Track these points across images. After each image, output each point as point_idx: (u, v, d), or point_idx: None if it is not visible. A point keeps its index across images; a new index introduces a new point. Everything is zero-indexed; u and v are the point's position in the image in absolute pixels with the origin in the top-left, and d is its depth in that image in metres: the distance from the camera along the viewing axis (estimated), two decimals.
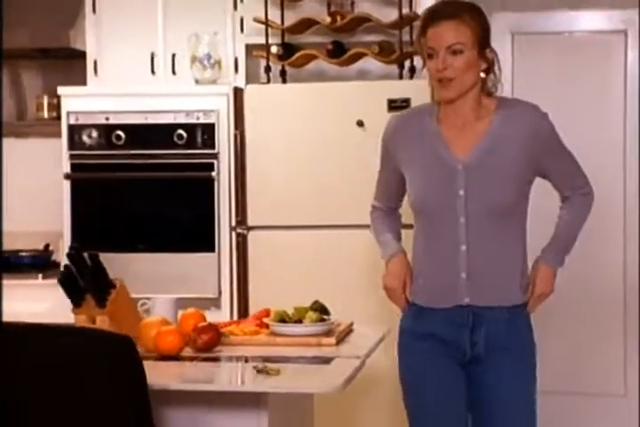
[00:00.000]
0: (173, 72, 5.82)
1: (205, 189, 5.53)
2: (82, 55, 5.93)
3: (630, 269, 6.25)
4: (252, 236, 5.38)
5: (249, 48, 5.84)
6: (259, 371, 3.13)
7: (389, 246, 3.41)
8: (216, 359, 3.40)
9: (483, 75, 3.24)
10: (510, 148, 3.23)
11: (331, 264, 5.23)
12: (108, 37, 5.92)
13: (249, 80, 5.82)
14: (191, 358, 3.37)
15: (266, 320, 3.71)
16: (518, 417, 3.32)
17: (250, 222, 5.39)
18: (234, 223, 5.48)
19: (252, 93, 5.45)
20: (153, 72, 5.84)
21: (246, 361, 3.36)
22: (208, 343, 3.43)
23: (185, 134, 5.52)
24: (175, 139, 5.53)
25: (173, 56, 5.80)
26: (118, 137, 5.57)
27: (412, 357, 3.32)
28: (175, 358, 3.33)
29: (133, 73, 5.85)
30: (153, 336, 3.34)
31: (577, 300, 6.12)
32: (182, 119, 5.54)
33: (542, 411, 6.07)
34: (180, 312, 3.71)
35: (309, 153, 5.33)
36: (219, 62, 5.64)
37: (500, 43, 6.04)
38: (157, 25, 5.88)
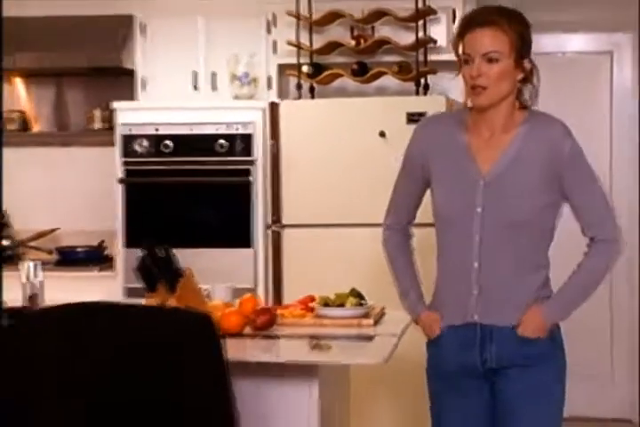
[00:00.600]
0: (214, 88, 6.01)
1: (243, 192, 5.67)
2: (129, 73, 6.09)
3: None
4: (286, 233, 5.55)
5: (281, 67, 6.01)
6: (313, 347, 3.36)
7: (412, 305, 3.19)
8: (273, 337, 3.55)
9: (519, 85, 2.96)
10: (530, 164, 2.95)
11: (356, 259, 5.34)
12: (155, 58, 6.08)
13: (280, 96, 6.00)
14: (251, 336, 3.52)
15: (311, 305, 3.88)
16: None
17: (284, 221, 5.56)
18: (269, 222, 5.64)
19: (286, 108, 5.62)
20: (195, 88, 6.03)
21: (299, 338, 3.54)
22: (265, 323, 3.60)
23: (225, 143, 5.66)
24: (217, 148, 5.67)
25: (214, 74, 5.99)
26: (166, 146, 5.72)
27: (437, 387, 3.16)
28: (238, 335, 3.47)
29: (177, 89, 6.01)
30: (218, 317, 3.48)
31: None
32: (223, 130, 5.68)
33: None
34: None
35: (337, 160, 5.48)
36: (255, 80, 5.81)
37: None
38: (199, 47, 6.04)
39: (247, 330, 3.57)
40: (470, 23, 2.92)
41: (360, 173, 5.47)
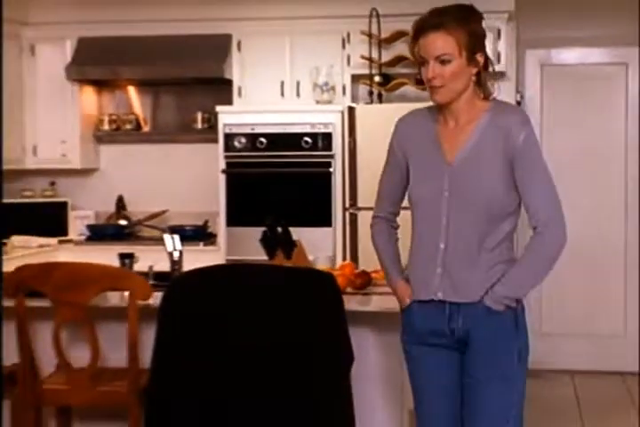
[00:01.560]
0: (298, 95, 6.35)
1: (324, 180, 6.03)
2: (227, 82, 6.40)
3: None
4: (361, 214, 5.85)
5: (354, 77, 6.33)
6: None
7: (392, 281, 3.05)
8: (370, 294, 3.79)
9: (474, 78, 2.80)
10: (490, 150, 2.79)
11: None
12: (249, 69, 6.41)
13: (353, 100, 6.32)
14: (352, 294, 3.74)
15: None
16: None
17: (359, 204, 5.87)
18: (347, 205, 5.96)
19: (361, 111, 5.97)
20: (282, 95, 6.37)
21: (389, 295, 3.55)
22: (363, 284, 3.84)
23: (310, 140, 6.01)
24: (302, 144, 6.02)
25: (298, 83, 6.34)
26: (261, 142, 6.07)
27: (411, 363, 3.03)
28: (342, 293, 3.52)
29: (267, 96, 6.35)
30: None
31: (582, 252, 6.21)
32: (307, 129, 6.03)
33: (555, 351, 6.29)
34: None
35: None
36: (332, 88, 6.15)
37: (533, 72, 6.59)
38: (286, 60, 6.38)
39: (349, 290, 3.79)
40: (422, 27, 2.76)
41: None
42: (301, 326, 3.19)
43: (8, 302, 3.66)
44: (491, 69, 2.85)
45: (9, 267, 4.48)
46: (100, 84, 6.94)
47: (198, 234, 6.46)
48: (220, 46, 6.44)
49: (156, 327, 3.23)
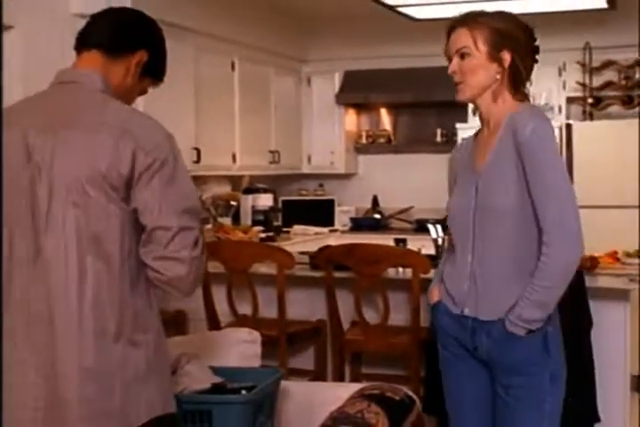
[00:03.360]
0: None
1: None
2: (463, 104, 6.41)
3: None
4: None
5: (568, 99, 6.35)
6: (631, 279, 3.67)
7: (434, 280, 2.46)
8: (597, 275, 3.81)
9: (498, 77, 2.24)
10: (506, 155, 2.18)
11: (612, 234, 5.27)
12: None
13: (568, 118, 6.30)
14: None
15: (618, 256, 4.20)
16: None
17: None
18: None
19: (577, 127, 6.01)
20: None
21: (617, 276, 3.81)
22: (594, 266, 3.87)
23: None
24: None
25: None
26: None
27: (443, 366, 2.42)
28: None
29: None
30: None
31: None
32: None
33: None
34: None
35: (619, 160, 5.73)
36: (551, 108, 6.22)
37: None
38: None
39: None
40: (451, 26, 2.31)
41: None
42: None
43: (318, 273, 3.99)
44: (522, 68, 2.25)
45: (293, 248, 4.81)
46: (359, 107, 7.24)
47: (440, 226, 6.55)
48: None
49: None
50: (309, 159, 7.08)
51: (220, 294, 3.99)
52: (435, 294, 2.39)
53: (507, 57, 2.24)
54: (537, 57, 2.33)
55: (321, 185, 7.31)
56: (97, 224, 1.77)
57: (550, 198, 2.11)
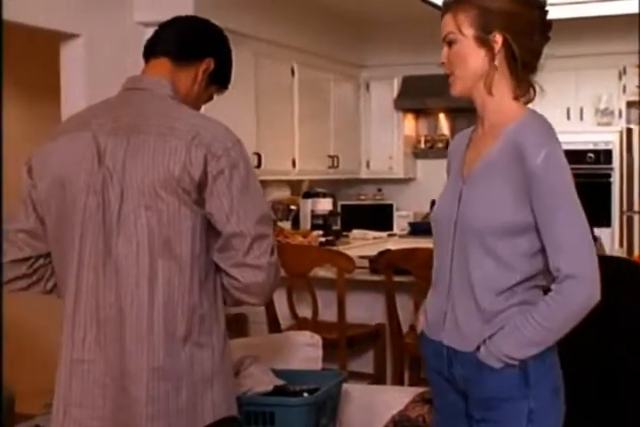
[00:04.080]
0: (581, 119, 6.33)
1: (605, 189, 6.05)
2: None
3: None
4: (636, 217, 5.80)
5: (628, 103, 6.25)
6: None
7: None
8: None
9: (496, 63, 1.85)
10: (502, 170, 1.82)
11: None
12: (538, 99, 6.50)
13: (628, 122, 6.21)
14: None
15: None
16: None
17: (635, 208, 5.81)
18: (625, 209, 5.93)
19: (637, 131, 5.95)
20: (568, 118, 6.36)
21: None
22: None
23: (593, 156, 6.05)
24: (587, 159, 6.06)
25: (581, 109, 6.34)
26: None
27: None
28: None
29: (554, 119, 6.09)
30: None
31: None
32: (590, 146, 6.07)
33: None
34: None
35: None
36: (611, 112, 6.15)
37: None
38: (571, 90, 6.33)
39: None
40: (441, 14, 1.94)
41: None
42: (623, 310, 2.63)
43: (378, 277, 3.98)
44: (517, 52, 1.84)
45: (352, 252, 4.79)
46: (418, 112, 7.22)
47: None
48: None
49: None
50: (368, 164, 7.09)
51: (280, 298, 4.01)
52: (421, 322, 2.03)
53: (498, 39, 1.84)
54: (549, 34, 1.91)
55: (379, 190, 7.31)
56: (169, 227, 1.77)
57: (564, 236, 1.76)
